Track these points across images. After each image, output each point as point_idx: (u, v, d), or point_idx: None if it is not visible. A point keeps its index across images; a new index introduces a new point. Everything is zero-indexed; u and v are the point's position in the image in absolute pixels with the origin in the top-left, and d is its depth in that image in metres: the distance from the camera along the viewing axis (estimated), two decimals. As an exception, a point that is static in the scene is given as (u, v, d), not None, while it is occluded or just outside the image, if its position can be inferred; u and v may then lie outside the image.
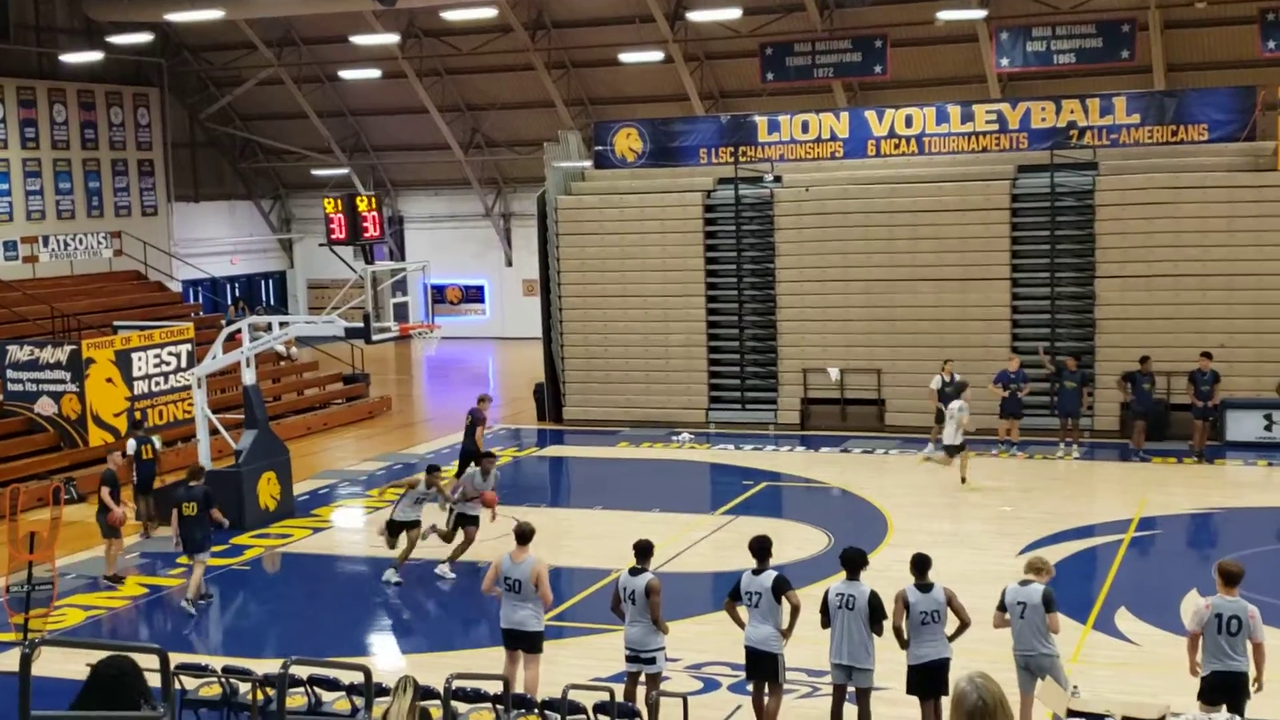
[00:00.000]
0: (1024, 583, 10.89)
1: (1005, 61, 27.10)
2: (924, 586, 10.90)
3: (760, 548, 11.50)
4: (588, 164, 29.13)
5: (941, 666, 10.74)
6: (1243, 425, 23.12)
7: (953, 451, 20.98)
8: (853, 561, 11.19)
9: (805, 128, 27.39)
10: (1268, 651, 10.41)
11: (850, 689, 11.10)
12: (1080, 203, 25.01)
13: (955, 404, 20.94)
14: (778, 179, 27.09)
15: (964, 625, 10.89)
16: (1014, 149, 26.05)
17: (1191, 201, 24.15)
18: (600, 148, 28.90)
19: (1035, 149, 25.74)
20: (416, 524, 16.85)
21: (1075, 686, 10.57)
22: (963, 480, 20.79)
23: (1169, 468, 22.06)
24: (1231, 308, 23.81)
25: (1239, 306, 23.78)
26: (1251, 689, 10.34)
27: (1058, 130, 25.57)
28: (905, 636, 10.94)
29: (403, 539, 16.82)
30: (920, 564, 11.04)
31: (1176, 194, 24.25)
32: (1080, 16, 29.79)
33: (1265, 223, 23.71)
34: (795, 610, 11.20)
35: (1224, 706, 10.23)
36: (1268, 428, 22.93)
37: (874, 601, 10.94)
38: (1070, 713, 9.47)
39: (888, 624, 10.95)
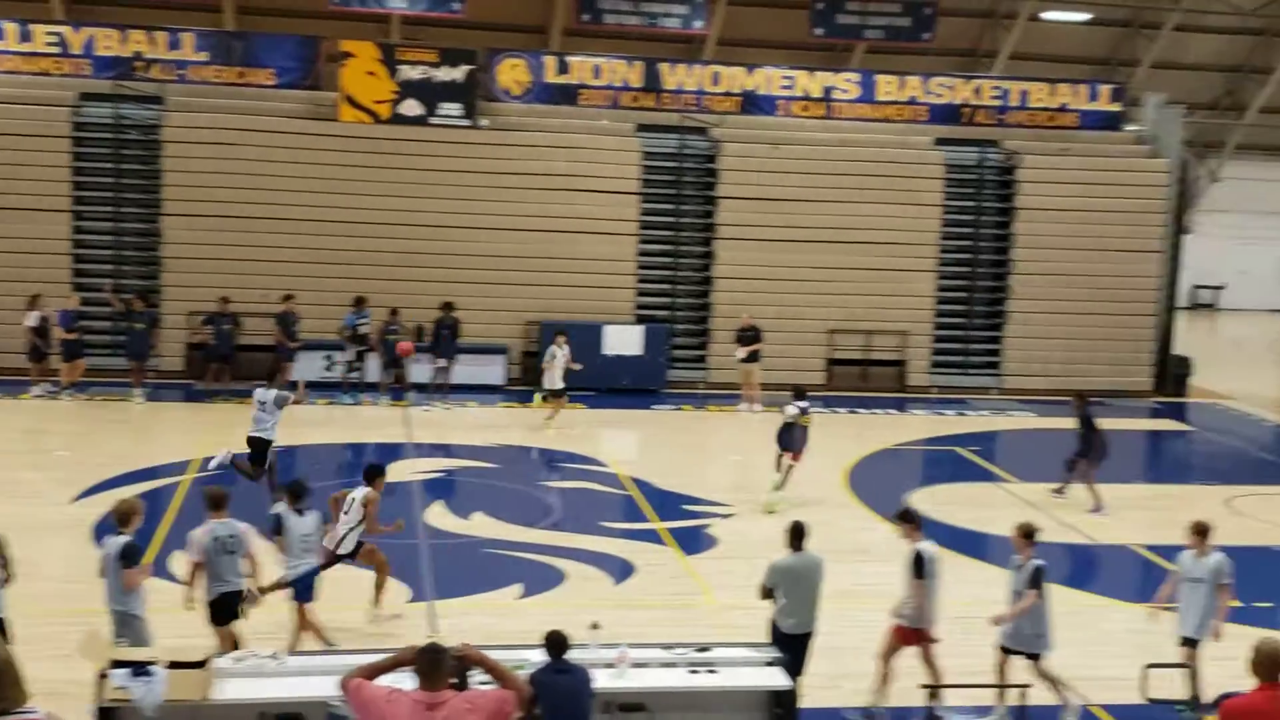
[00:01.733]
0: (116, 531, 10.43)
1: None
2: None
3: None
4: None
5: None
6: (308, 365, 23.85)
7: (557, 395, 21.88)
8: None
9: None
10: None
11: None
12: (147, 137, 24.37)
13: (554, 349, 21.77)
14: None
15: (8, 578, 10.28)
16: (77, 75, 24.56)
17: (259, 145, 24.43)
18: None
19: (99, 77, 24.49)
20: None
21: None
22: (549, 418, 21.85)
23: (236, 408, 22.14)
24: (301, 251, 24.43)
25: (308, 251, 24.46)
26: (253, 602, 11.00)
27: (123, 60, 24.51)
28: None
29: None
30: None
31: (244, 136, 24.45)
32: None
33: (329, 170, 24.66)
34: None
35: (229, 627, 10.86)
36: (329, 368, 23.90)
37: None
38: (116, 663, 8.93)
39: None
